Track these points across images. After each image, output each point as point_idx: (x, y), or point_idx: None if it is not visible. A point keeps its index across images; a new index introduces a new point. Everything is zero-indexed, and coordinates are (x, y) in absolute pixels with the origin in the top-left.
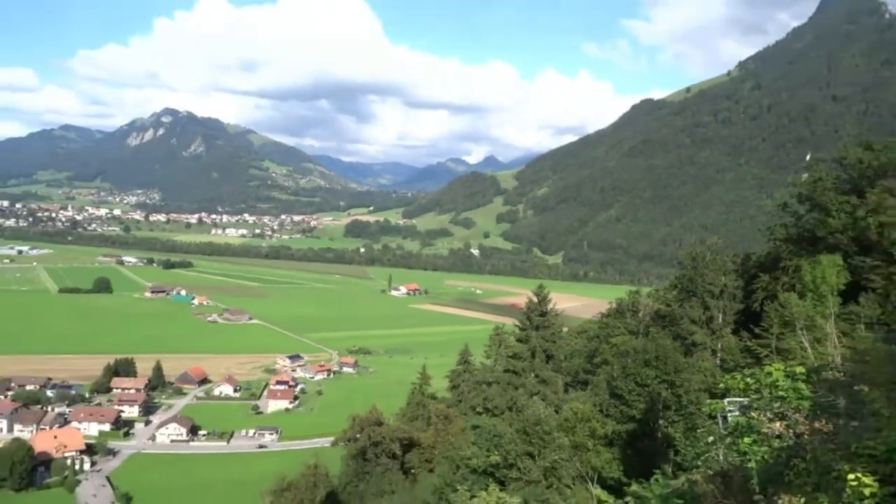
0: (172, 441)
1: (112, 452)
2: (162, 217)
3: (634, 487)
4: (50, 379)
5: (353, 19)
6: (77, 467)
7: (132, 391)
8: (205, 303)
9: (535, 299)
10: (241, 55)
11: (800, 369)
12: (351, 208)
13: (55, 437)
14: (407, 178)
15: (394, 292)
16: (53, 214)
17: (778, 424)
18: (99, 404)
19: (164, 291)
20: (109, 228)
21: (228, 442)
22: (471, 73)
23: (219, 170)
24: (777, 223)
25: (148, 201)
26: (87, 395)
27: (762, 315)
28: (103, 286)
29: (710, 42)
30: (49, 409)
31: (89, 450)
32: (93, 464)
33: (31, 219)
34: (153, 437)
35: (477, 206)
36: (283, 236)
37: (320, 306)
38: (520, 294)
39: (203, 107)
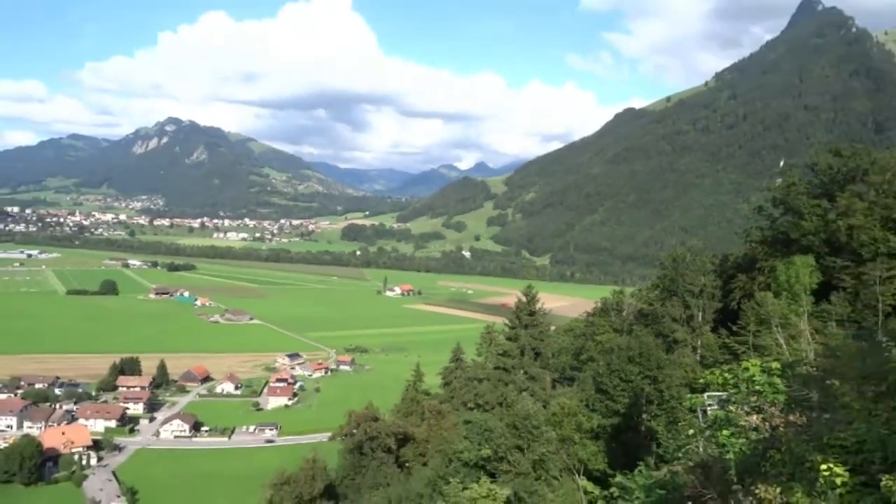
0: (176, 437)
1: (118, 448)
2: (166, 222)
3: (619, 478)
4: (58, 377)
5: (349, 32)
6: (84, 462)
7: (137, 389)
8: (207, 304)
9: (523, 299)
10: (242, 67)
11: (775, 365)
12: (347, 213)
13: (63, 433)
14: (401, 184)
15: (389, 293)
16: (61, 220)
17: (755, 417)
18: (105, 402)
19: (167, 293)
20: (115, 233)
21: (230, 438)
22: (461, 83)
23: (220, 176)
24: (753, 226)
25: (152, 207)
26: (93, 393)
27: (739, 313)
28: (109, 288)
29: (688, 54)
30: (57, 406)
31: (96, 445)
32: (99, 459)
33: (40, 224)
34: (157, 434)
35: (468, 211)
36: (283, 240)
37: (318, 307)
38: (509, 294)
39: (205, 116)
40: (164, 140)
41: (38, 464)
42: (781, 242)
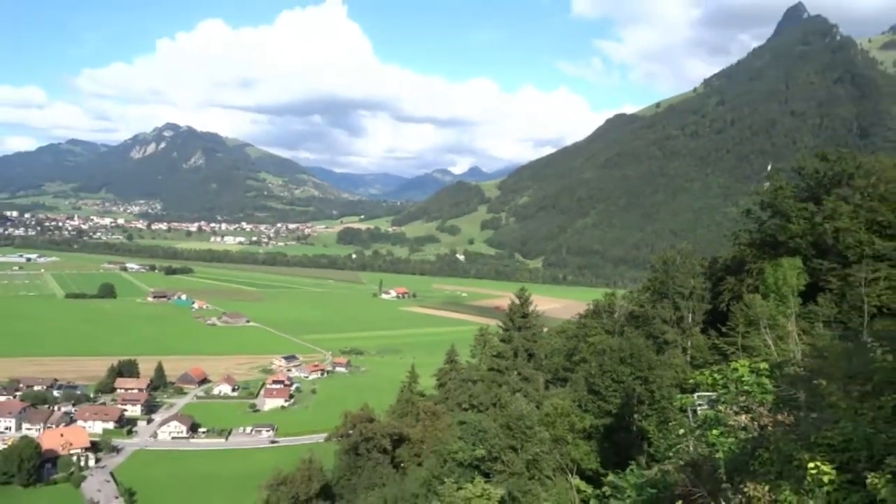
0: (173, 438)
1: (116, 449)
2: (163, 226)
3: (611, 478)
4: (56, 380)
5: (345, 39)
6: (82, 464)
7: (135, 391)
8: (204, 307)
9: (517, 301)
10: (239, 73)
11: (763, 365)
12: (343, 217)
13: (61, 435)
14: (396, 188)
15: (384, 296)
16: (60, 224)
17: (743, 417)
18: (103, 403)
19: (165, 296)
20: (113, 237)
21: (227, 439)
22: (455, 89)
23: (218, 181)
24: (741, 229)
25: (150, 211)
26: (91, 395)
27: (728, 315)
28: (108, 291)
29: (677, 61)
30: (56, 408)
31: (94, 447)
32: (97, 460)
33: (39, 228)
34: (155, 435)
35: (462, 214)
36: (279, 243)
37: (314, 309)
38: (503, 297)
39: (203, 122)
40: (162, 145)
41: (37, 465)
42: (769, 245)
